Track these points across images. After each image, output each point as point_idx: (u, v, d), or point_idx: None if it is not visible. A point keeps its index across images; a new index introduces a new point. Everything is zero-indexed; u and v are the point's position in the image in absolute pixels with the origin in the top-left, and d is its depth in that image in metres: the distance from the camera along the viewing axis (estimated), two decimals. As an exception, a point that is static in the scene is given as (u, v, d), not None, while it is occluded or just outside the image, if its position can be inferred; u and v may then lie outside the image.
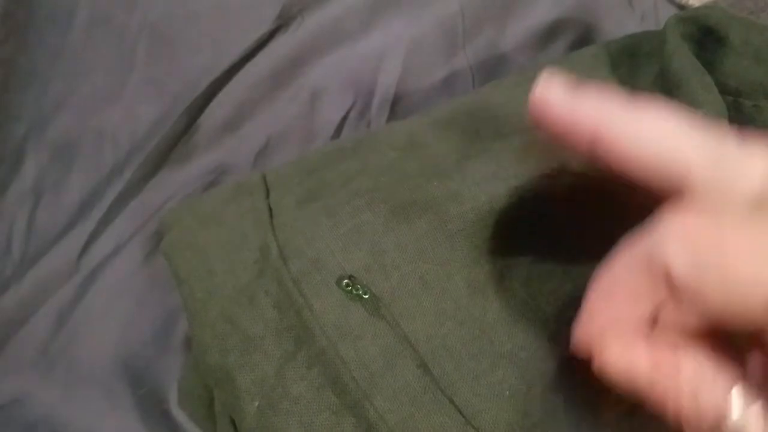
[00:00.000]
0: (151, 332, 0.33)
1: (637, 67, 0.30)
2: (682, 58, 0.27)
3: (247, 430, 0.23)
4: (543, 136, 0.20)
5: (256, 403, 0.23)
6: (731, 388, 0.16)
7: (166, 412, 0.31)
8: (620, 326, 0.18)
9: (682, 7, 0.41)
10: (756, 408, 0.16)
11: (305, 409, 0.23)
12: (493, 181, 0.24)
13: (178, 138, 0.37)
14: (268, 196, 0.28)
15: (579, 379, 0.22)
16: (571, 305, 0.19)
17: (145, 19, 0.39)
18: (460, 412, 0.22)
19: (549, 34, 0.40)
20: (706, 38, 0.28)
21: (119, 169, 0.36)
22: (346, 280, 0.24)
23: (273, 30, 0.39)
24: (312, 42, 0.39)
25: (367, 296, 0.23)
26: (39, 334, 0.33)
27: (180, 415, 0.31)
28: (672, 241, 0.16)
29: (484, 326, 0.23)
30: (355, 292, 0.24)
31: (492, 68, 0.39)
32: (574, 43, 0.40)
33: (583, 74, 0.30)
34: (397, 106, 0.38)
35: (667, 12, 0.41)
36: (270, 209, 0.27)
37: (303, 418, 0.22)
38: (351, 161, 0.28)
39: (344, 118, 0.38)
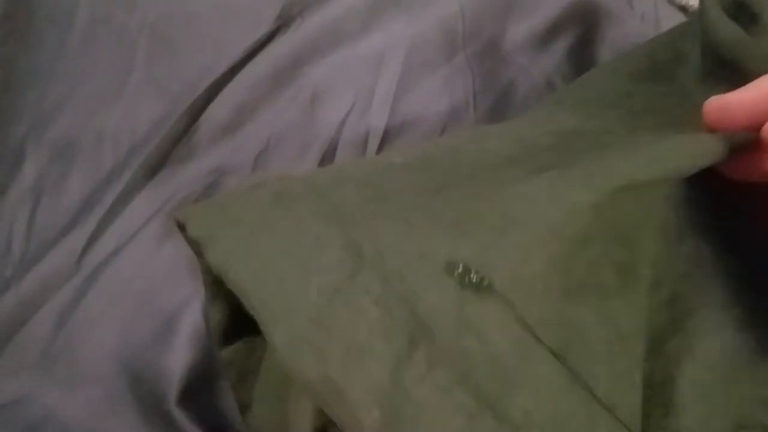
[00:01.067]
0: (151, 332, 0.33)
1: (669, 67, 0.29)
2: (727, 28, 0.26)
3: None
4: None
5: (375, 414, 0.20)
6: None
7: (166, 412, 0.31)
8: None
9: (682, 8, 0.41)
10: None
11: (434, 415, 0.20)
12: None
13: (178, 138, 0.37)
14: (322, 198, 0.25)
15: None
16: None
17: (145, 19, 0.39)
18: (603, 405, 0.20)
19: (549, 34, 0.40)
20: (738, 14, 0.27)
21: (119, 169, 0.36)
22: (458, 270, 0.22)
23: (273, 30, 0.39)
24: (312, 42, 0.39)
25: (484, 283, 0.21)
26: (39, 334, 0.33)
27: (180, 415, 0.31)
28: None
29: (613, 310, 0.21)
30: (469, 280, 0.21)
31: (492, 69, 0.39)
32: (574, 43, 0.40)
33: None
34: (397, 107, 0.38)
35: (667, 12, 0.41)
36: (337, 209, 0.24)
37: (433, 425, 0.20)
38: (424, 179, 0.26)
39: (344, 119, 0.38)
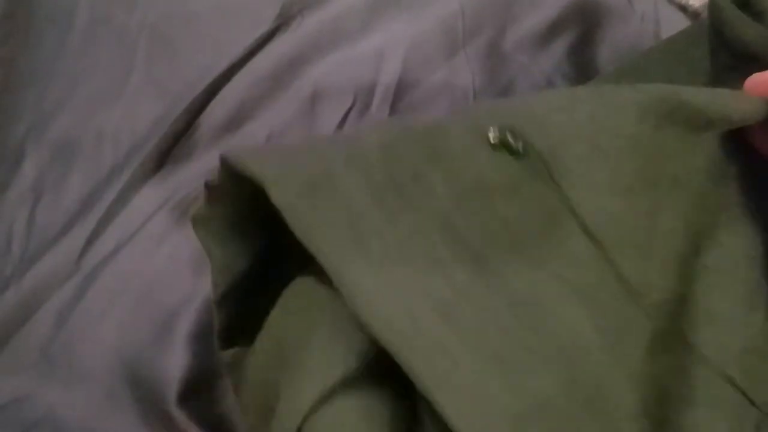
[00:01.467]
0: (151, 331, 0.33)
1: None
2: (752, 26, 0.27)
3: None
4: None
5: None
6: None
7: (166, 412, 0.31)
8: None
9: (682, 8, 0.41)
10: None
11: None
12: None
13: (178, 137, 0.37)
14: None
15: None
16: None
17: (145, 19, 0.39)
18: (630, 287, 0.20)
19: (549, 34, 0.40)
20: (743, 9, 0.27)
21: (119, 168, 0.36)
22: (498, 134, 0.21)
23: (273, 30, 0.39)
24: (312, 42, 0.39)
25: (524, 152, 0.21)
26: (39, 334, 0.32)
27: (180, 415, 0.31)
28: None
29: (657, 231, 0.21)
30: (510, 144, 0.21)
31: (492, 68, 0.39)
32: (574, 43, 0.40)
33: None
34: (397, 106, 0.38)
35: (667, 12, 0.41)
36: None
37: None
38: None
39: (344, 118, 0.38)
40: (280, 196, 0.21)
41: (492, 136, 0.21)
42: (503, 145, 0.21)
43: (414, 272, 0.20)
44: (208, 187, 0.26)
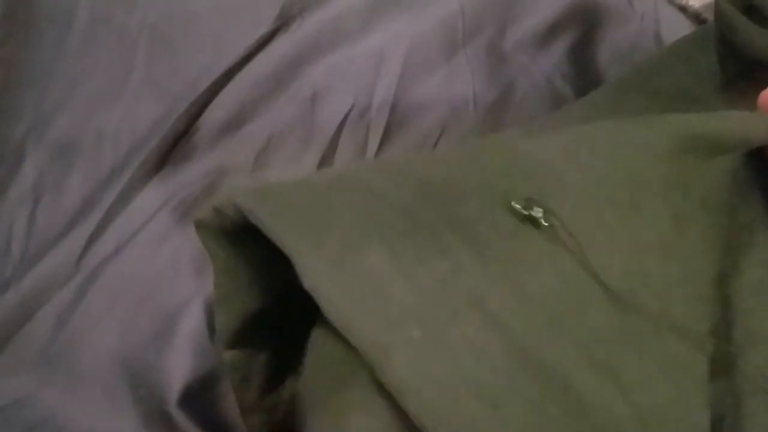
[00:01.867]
0: (151, 332, 0.33)
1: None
2: (762, 35, 0.26)
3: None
4: None
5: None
6: None
7: (166, 413, 0.31)
8: None
9: (682, 8, 0.41)
10: None
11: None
12: None
13: (178, 138, 0.37)
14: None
15: None
16: None
17: (145, 19, 0.39)
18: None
19: (549, 34, 0.40)
20: (749, 13, 0.27)
21: (119, 169, 0.36)
22: (517, 203, 0.21)
23: (273, 30, 0.39)
24: (312, 42, 0.39)
25: (546, 222, 0.20)
26: (39, 334, 0.32)
27: (180, 416, 0.31)
28: None
29: (690, 262, 0.21)
30: (530, 214, 0.20)
31: (492, 68, 0.39)
32: (574, 43, 0.40)
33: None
34: (397, 106, 0.38)
35: (667, 12, 0.41)
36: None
37: None
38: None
39: (344, 118, 0.38)
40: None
41: (517, 207, 0.20)
42: (529, 220, 0.20)
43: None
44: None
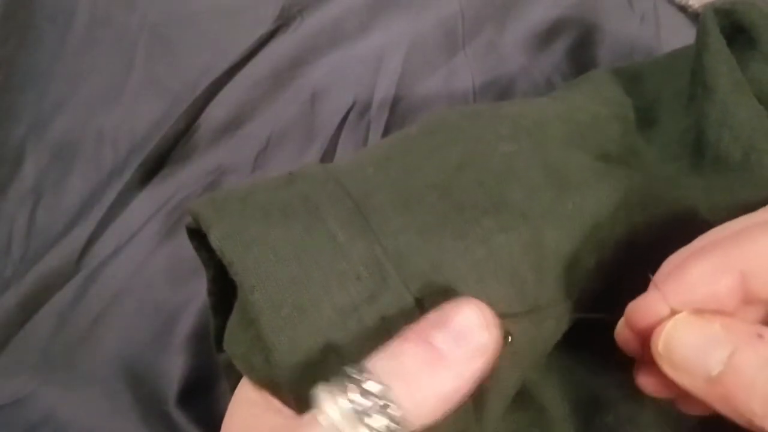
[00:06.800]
0: (151, 332, 0.33)
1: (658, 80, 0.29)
2: (716, 54, 0.25)
3: None
4: None
5: None
6: None
7: (166, 413, 0.31)
8: None
9: (682, 8, 0.41)
10: None
11: None
12: None
13: (178, 138, 0.37)
14: (348, 194, 0.23)
15: None
16: None
17: (145, 19, 0.39)
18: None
19: (549, 34, 0.40)
20: (736, 36, 0.26)
21: (119, 169, 0.36)
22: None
23: (273, 30, 0.39)
24: (312, 42, 0.39)
25: (510, 339, 0.20)
26: (39, 334, 0.33)
27: (180, 416, 0.31)
28: None
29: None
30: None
31: (492, 68, 0.39)
32: (574, 43, 0.40)
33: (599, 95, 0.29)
34: (397, 107, 0.38)
35: (667, 12, 0.41)
36: (360, 211, 0.22)
37: None
38: (445, 151, 0.24)
39: (344, 119, 0.38)
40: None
41: None
42: None
43: None
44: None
